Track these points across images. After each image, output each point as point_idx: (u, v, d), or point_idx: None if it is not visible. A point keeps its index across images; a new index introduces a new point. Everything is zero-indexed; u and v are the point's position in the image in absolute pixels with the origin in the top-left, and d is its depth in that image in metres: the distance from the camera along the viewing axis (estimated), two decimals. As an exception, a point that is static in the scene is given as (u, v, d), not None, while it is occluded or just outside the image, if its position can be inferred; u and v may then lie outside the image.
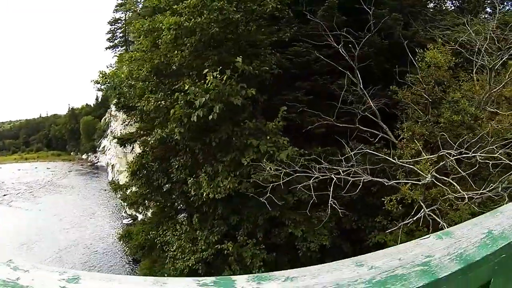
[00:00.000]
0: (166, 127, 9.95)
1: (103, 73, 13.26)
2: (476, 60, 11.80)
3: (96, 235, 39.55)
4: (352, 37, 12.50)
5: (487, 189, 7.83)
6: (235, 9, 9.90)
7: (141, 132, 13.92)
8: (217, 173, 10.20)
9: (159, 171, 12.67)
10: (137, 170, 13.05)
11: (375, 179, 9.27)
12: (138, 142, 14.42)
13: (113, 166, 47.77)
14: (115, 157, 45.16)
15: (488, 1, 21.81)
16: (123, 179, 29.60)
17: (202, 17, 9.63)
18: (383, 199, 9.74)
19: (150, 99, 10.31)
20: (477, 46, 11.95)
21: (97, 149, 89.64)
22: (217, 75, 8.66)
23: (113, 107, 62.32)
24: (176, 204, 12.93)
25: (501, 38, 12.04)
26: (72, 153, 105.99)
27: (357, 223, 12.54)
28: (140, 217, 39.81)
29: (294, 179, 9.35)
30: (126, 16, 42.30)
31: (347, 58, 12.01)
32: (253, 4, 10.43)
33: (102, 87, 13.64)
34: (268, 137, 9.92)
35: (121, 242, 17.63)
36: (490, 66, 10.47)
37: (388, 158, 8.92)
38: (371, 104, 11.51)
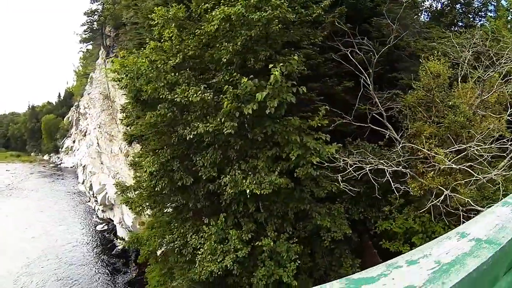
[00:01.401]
0: (207, 121, 10.19)
1: (120, 60, 12.52)
2: (465, 70, 13.56)
3: (68, 243, 37.76)
4: (356, 43, 13.88)
5: (493, 173, 9.41)
6: (289, 9, 10.40)
7: (157, 129, 13.51)
8: (255, 169, 10.42)
9: (181, 170, 12.29)
10: (158, 169, 12.21)
11: (405, 170, 10.60)
12: (154, 139, 14.06)
13: (84, 167, 45.95)
14: (87, 158, 43.63)
15: (462, 17, 24.49)
16: (128, 180, 28.16)
17: (266, 12, 9.73)
18: (408, 187, 11.02)
19: (192, 91, 10.12)
20: (461, 58, 13.76)
21: (60, 149, 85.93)
22: (278, 71, 8.90)
23: (81, 105, 60.24)
24: (198, 204, 12.57)
25: (483, 51, 13.93)
26: (32, 154, 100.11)
27: (363, 214, 13.78)
28: (116, 221, 38.09)
29: (325, 172, 10.30)
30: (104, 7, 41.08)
31: (356, 63, 13.31)
32: (300, 7, 11.06)
33: (120, 77, 12.43)
34: (306, 134, 10.51)
35: (130, 247, 16.66)
36: (485, 77, 12.19)
37: (423, 149, 10.27)
38: (379, 105, 12.90)
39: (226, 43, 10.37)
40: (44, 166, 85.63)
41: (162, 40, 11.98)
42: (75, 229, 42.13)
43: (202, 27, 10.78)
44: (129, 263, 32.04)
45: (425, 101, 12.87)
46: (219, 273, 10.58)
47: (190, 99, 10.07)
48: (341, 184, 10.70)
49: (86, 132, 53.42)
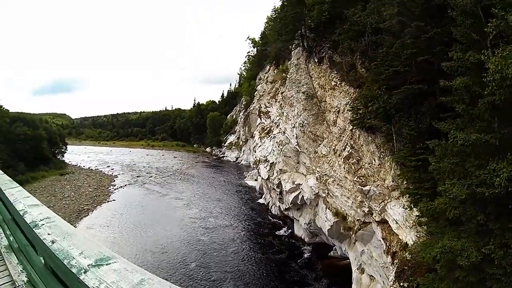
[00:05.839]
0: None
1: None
2: None
3: (246, 242, 36.29)
4: None
5: None
6: None
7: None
8: None
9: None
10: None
11: None
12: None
13: (272, 164, 46.79)
14: (276, 155, 44.25)
15: None
16: (345, 183, 24.31)
17: None
18: None
19: None
20: None
21: (223, 144, 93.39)
22: None
23: (262, 104, 63.07)
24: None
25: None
26: (195, 145, 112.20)
27: None
28: (302, 221, 35.84)
29: None
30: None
31: None
32: None
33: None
34: None
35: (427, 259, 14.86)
36: None
37: None
38: None
39: None
40: (207, 158, 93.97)
41: None
42: (253, 226, 41.20)
43: None
44: (318, 279, 28.04)
45: None
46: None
47: None
48: None
49: (269, 130, 55.31)
